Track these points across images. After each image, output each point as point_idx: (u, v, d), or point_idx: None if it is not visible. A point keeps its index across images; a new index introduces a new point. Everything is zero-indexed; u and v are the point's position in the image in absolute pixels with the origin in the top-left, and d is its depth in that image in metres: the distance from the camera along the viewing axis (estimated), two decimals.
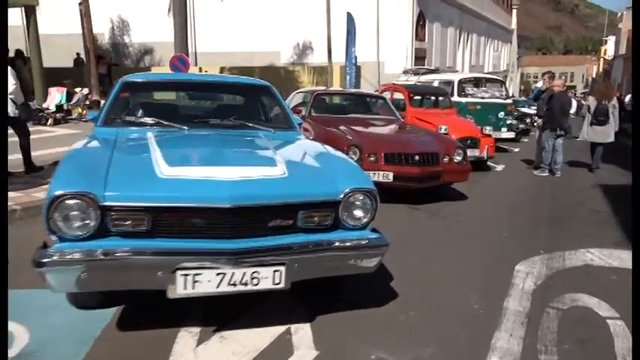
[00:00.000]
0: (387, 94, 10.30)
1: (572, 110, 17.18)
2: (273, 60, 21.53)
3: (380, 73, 19.96)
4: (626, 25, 37.70)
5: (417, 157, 5.80)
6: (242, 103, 4.65)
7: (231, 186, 2.46)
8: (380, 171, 5.68)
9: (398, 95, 10.04)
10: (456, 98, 11.59)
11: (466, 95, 11.63)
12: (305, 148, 3.37)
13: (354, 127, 6.39)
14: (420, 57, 21.57)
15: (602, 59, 56.38)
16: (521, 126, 15.07)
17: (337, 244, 2.64)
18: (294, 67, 19.56)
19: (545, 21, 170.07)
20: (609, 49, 50.28)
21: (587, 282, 3.73)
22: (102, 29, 24.51)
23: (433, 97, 10.52)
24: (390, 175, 5.70)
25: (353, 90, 7.89)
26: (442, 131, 8.25)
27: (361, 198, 2.73)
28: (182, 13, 13.71)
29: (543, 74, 9.68)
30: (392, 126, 7.10)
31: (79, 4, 13.49)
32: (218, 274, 2.36)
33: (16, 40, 12.82)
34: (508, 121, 11.74)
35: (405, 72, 14.94)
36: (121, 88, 3.96)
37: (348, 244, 2.66)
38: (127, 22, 24.43)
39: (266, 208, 2.52)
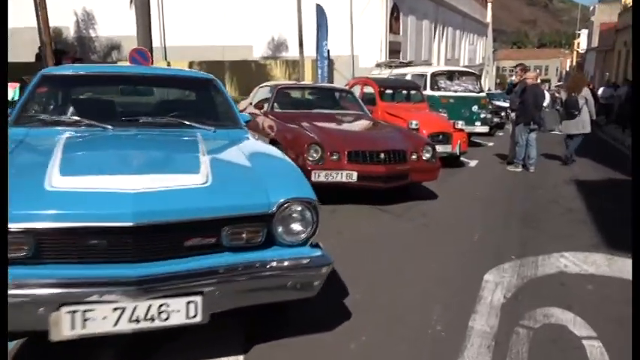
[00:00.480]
0: (357, 89, 9.94)
1: (546, 103, 17.09)
2: (246, 54, 20.96)
3: (354, 66, 19.59)
4: (598, 18, 38.05)
5: (382, 155, 5.42)
6: (182, 98, 4.20)
7: (135, 199, 2.02)
8: (343, 170, 5.29)
9: (368, 89, 9.66)
10: (428, 92, 11.28)
11: (439, 89, 11.32)
12: (244, 150, 2.94)
13: (316, 124, 5.98)
14: (394, 50, 21.25)
15: (575, 52, 57.07)
16: (496, 120, 14.90)
17: (272, 264, 2.22)
18: (266, 61, 19.02)
19: (520, 15, 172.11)
20: (582, 42, 50.86)
21: (562, 293, 3.40)
22: (67, 22, 23.61)
23: (405, 91, 10.17)
24: (354, 175, 5.32)
25: (319, 84, 7.48)
26: (413, 126, 7.91)
27: (299, 209, 2.31)
28: (144, 3, 13.05)
29: (515, 66, 9.41)
30: (358, 122, 6.71)
31: None
32: (115, 309, 1.92)
33: None
34: (482, 115, 11.48)
35: (378, 65, 14.59)
36: (39, 82, 3.47)
37: (284, 264, 2.25)
38: (93, 15, 23.51)
39: (180, 225, 2.09)
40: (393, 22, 21.46)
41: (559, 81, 50.03)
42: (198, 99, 3.99)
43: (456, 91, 11.31)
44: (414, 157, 5.68)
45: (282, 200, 2.26)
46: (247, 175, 2.50)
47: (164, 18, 22.58)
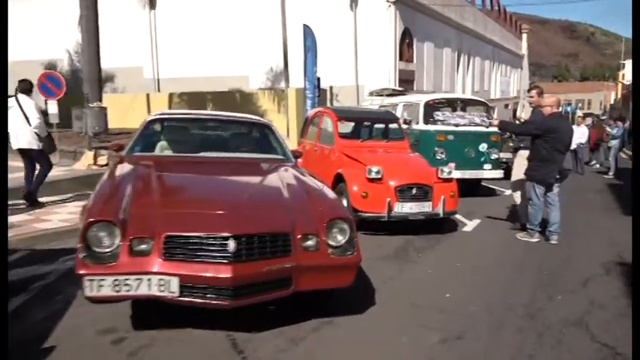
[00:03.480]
0: (318, 121, 7.48)
1: (584, 140, 14.08)
2: (242, 84, 19.08)
3: (359, 98, 17.23)
4: None
5: (231, 243, 2.82)
6: None
7: None
8: (151, 275, 2.73)
9: (327, 122, 7.15)
10: (421, 126, 8.70)
11: (435, 122, 8.70)
12: None
13: (153, 182, 3.47)
14: (406, 80, 18.76)
15: (620, 84, 52.93)
16: None
17: None
18: (253, 91, 16.93)
19: (561, 49, 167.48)
20: (627, 73, 46.94)
21: None
22: (61, 55, 22.59)
23: (380, 125, 7.61)
24: (173, 284, 2.74)
25: (219, 114, 5.06)
26: (372, 175, 5.36)
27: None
28: (91, 29, 11.08)
29: (529, 90, 6.71)
30: (245, 177, 4.06)
31: None
32: None
33: None
34: (493, 156, 8.74)
35: (371, 94, 12.10)
36: None
37: None
38: None
39: None
40: (404, 48, 19.08)
41: (603, 115, 46.12)
42: None
43: (457, 125, 8.64)
44: (308, 243, 3.06)
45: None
46: None
47: (158, 50, 21.22)
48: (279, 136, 4.91)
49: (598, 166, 13.38)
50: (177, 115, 5.49)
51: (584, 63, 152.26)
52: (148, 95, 17.55)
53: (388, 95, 10.79)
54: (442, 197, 5.70)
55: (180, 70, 20.32)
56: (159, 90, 20.78)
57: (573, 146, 12.53)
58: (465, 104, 9.40)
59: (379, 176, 5.60)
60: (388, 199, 5.51)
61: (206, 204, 3.11)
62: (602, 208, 8.15)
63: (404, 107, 9.51)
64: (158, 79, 21.37)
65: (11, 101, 6.14)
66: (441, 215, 5.71)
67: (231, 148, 4.75)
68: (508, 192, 9.56)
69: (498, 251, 5.42)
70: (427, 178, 5.79)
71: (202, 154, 4.49)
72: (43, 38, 22.15)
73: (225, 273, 2.74)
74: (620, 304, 3.83)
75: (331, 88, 18.25)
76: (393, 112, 9.71)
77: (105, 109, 10.64)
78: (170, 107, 16.95)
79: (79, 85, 22.43)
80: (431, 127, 8.62)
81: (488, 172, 8.69)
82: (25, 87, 6.32)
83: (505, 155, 10.90)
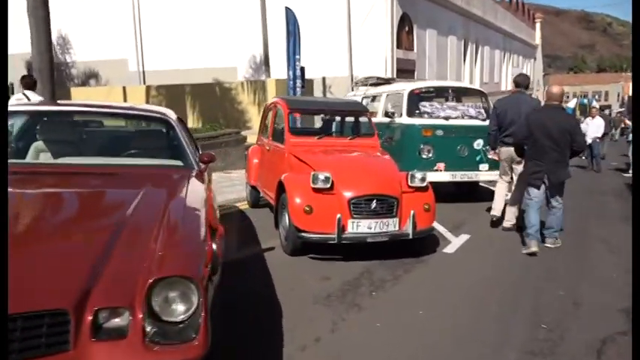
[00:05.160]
0: (271, 114, 6.17)
1: (600, 133, 12.54)
2: (230, 76, 17.90)
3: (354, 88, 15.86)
4: None
5: None
6: None
7: None
8: None
9: (281, 114, 5.82)
10: (404, 120, 7.33)
11: (421, 114, 7.31)
12: None
13: None
14: (405, 70, 17.30)
15: None
16: None
17: None
18: (232, 84, 15.70)
19: (577, 40, 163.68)
20: None
21: None
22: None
23: (350, 119, 6.26)
24: None
25: (100, 104, 3.79)
26: (318, 183, 4.05)
27: None
28: (39, 7, 9.80)
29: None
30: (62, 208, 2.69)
31: None
32: None
33: None
34: (491, 154, 7.33)
35: (356, 83, 10.72)
36: None
37: None
38: (68, 40, 21.19)
39: None
40: (403, 35, 17.61)
41: (621, 107, 44.02)
42: None
43: (447, 118, 7.24)
44: (110, 324, 1.73)
45: None
46: None
47: (142, 41, 20.06)
48: (181, 135, 3.59)
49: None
50: (32, 107, 4.14)
51: (600, 54, 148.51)
52: (124, 88, 16.37)
53: (372, 85, 9.40)
54: (412, 212, 4.34)
55: (167, 62, 19.26)
56: (145, 83, 19.66)
57: (588, 141, 11.10)
58: (458, 94, 7.97)
59: (328, 185, 4.27)
60: (339, 216, 4.18)
61: None
62: (619, 217, 6.69)
63: (387, 98, 8.13)
64: (143, 72, 20.23)
65: (20, 97, 6.06)
66: (411, 236, 4.35)
67: (107, 152, 3.45)
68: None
69: (487, 284, 4.06)
70: (392, 186, 4.44)
71: (61, 160, 3.21)
72: (23, 32, 21.14)
73: None
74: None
75: (324, 79, 16.96)
76: (378, 103, 8.38)
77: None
78: (147, 102, 15.83)
79: (62, 79, 21.50)
80: (416, 121, 7.23)
81: (484, 174, 7.29)
82: (30, 82, 6.41)
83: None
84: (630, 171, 11.43)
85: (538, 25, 46.27)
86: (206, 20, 18.11)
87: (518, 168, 5.52)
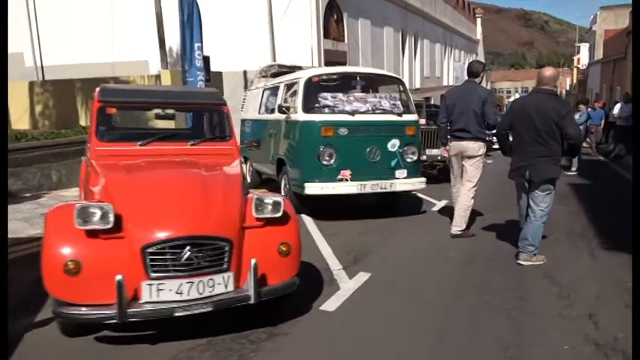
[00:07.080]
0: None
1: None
2: (141, 70, 15.93)
3: None
4: (601, 27, 32.72)
5: None
6: None
7: None
8: None
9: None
10: (300, 116, 5.72)
11: (321, 109, 5.70)
12: None
13: None
14: (336, 62, 15.75)
15: (575, 69, 51.56)
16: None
17: None
18: (128, 77, 13.77)
19: (517, 37, 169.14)
20: (583, 57, 45.45)
21: None
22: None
23: (192, 115, 4.52)
24: None
25: None
26: (89, 222, 2.23)
27: None
28: None
29: None
30: None
31: None
32: None
33: None
34: (409, 158, 5.81)
35: (261, 74, 9.05)
36: None
37: None
38: None
39: None
40: (331, 25, 16.09)
41: None
42: None
43: (354, 113, 5.66)
44: None
45: None
46: None
47: (39, 35, 17.60)
48: None
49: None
50: None
51: (539, 51, 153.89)
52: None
53: (273, 75, 7.74)
54: (253, 261, 2.67)
55: (70, 56, 17.07)
56: (44, 78, 17.27)
57: None
58: (370, 82, 6.41)
59: (108, 225, 2.54)
60: (119, 277, 2.45)
61: None
62: (579, 235, 5.34)
63: (286, 89, 6.47)
64: (42, 67, 17.76)
65: None
66: (252, 300, 2.69)
67: None
68: (443, 203, 6.74)
69: None
70: (222, 222, 2.75)
71: None
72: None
73: None
74: None
75: (245, 72, 15.28)
76: (276, 96, 6.72)
77: None
78: (32, 100, 13.60)
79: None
80: (315, 117, 5.61)
81: (402, 182, 5.77)
82: None
83: (433, 152, 8.06)
84: (573, 168, 10.45)
85: (479, 21, 46.26)
86: (111, 9, 16.14)
87: (468, 166, 4.82)
